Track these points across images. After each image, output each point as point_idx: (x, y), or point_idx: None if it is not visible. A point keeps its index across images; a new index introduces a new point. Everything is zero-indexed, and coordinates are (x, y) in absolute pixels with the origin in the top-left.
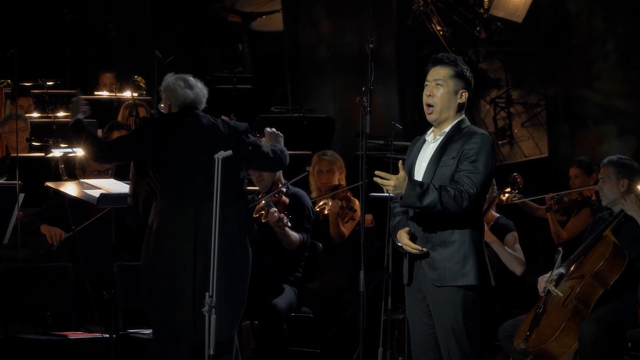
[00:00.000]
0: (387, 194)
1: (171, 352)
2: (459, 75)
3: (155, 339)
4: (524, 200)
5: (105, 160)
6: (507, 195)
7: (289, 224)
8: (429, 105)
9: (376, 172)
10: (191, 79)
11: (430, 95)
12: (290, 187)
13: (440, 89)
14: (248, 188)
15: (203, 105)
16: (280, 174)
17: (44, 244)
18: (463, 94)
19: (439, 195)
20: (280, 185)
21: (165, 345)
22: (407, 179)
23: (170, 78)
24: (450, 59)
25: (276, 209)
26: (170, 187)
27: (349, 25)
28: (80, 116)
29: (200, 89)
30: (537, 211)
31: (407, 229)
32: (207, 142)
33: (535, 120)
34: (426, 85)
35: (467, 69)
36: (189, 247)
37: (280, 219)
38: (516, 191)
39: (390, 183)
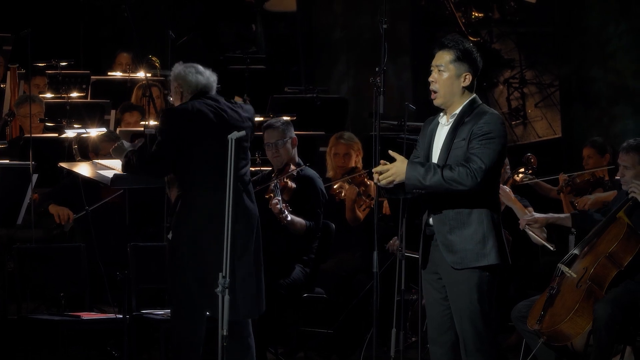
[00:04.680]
0: None
1: (197, 330)
2: (460, 59)
3: (188, 320)
4: (536, 181)
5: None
6: (520, 175)
7: (289, 218)
8: (433, 91)
9: (374, 170)
10: (199, 66)
11: (433, 82)
12: (304, 168)
13: (442, 75)
14: (261, 168)
15: (214, 90)
16: (295, 152)
17: (54, 224)
18: (466, 77)
19: (441, 174)
20: (292, 168)
21: (194, 325)
22: (405, 161)
23: (179, 67)
24: (453, 41)
25: (279, 199)
26: (209, 176)
27: (362, 6)
28: (129, 148)
29: (209, 75)
30: (551, 192)
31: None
32: (233, 127)
33: (548, 100)
34: (431, 70)
35: (472, 51)
36: (245, 228)
37: (280, 211)
38: (530, 172)
39: (390, 172)
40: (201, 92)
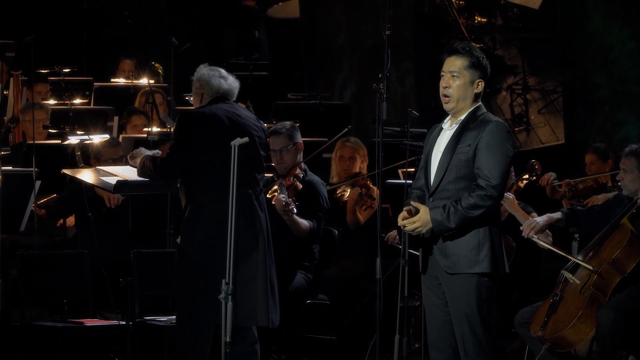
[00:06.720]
0: (404, 181)
1: (205, 337)
2: (474, 66)
3: (196, 327)
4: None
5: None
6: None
7: (295, 210)
8: (446, 96)
9: (399, 223)
10: (223, 71)
11: (446, 87)
12: (308, 173)
13: (456, 81)
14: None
15: (234, 97)
16: (300, 157)
17: (57, 230)
18: (479, 83)
19: (461, 208)
20: (297, 170)
21: (202, 332)
22: (427, 210)
23: (204, 69)
24: (465, 48)
25: (285, 195)
26: (219, 182)
27: (365, 12)
28: (150, 153)
29: (232, 81)
30: (555, 194)
31: (407, 207)
32: (246, 133)
33: (551, 106)
34: (442, 75)
35: (482, 57)
36: (252, 234)
37: (286, 204)
38: (534, 177)
39: (417, 224)
40: (221, 97)
